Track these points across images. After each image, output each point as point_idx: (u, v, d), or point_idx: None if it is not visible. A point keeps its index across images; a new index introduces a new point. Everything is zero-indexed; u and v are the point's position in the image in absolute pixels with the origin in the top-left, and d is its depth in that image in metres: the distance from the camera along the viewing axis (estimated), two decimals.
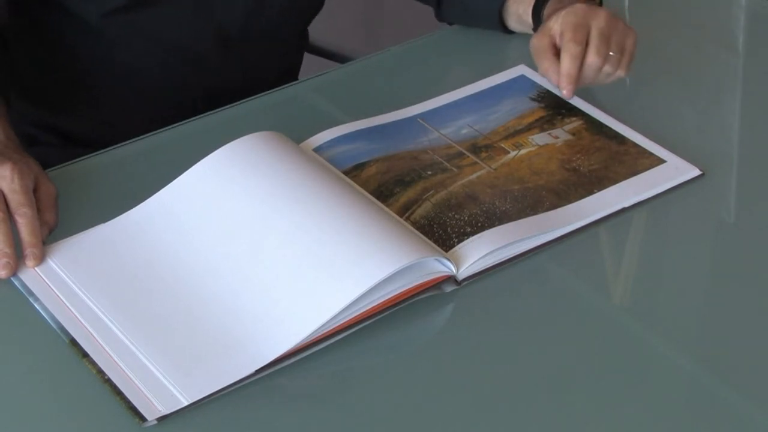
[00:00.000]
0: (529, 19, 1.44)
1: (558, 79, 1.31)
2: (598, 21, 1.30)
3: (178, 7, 1.41)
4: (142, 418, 1.00)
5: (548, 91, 1.40)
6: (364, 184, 1.24)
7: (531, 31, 1.45)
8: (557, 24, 1.33)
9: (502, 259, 1.16)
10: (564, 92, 1.30)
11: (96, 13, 1.39)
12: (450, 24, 1.56)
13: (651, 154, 1.30)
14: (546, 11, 1.41)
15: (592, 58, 1.30)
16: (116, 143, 1.34)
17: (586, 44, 1.30)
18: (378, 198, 1.22)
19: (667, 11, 1.62)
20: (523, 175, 1.27)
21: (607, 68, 1.31)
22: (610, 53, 1.30)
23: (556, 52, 1.33)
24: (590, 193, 1.25)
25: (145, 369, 1.04)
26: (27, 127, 1.50)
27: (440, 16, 1.57)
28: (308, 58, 1.81)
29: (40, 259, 1.14)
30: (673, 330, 1.12)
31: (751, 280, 1.18)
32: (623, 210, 1.24)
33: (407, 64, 1.50)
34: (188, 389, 1.02)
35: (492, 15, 1.49)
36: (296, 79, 1.65)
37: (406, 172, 1.27)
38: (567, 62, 1.29)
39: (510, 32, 1.51)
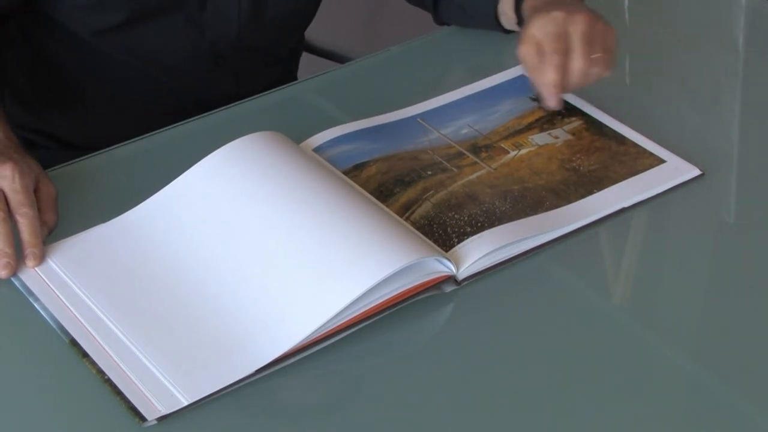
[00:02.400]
0: (513, 14, 1.44)
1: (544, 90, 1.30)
2: (578, 26, 1.28)
3: (168, 26, 1.42)
4: (142, 418, 1.00)
5: None
6: (364, 184, 1.24)
7: (516, 27, 1.45)
8: (538, 32, 1.31)
9: (502, 259, 1.16)
10: (551, 104, 1.29)
11: (87, 31, 1.40)
12: (449, 25, 1.56)
13: (651, 154, 1.30)
14: (525, 5, 1.39)
15: (577, 63, 1.28)
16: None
17: (569, 50, 1.29)
18: (378, 198, 1.22)
19: (667, 11, 1.62)
20: (523, 175, 1.27)
21: (594, 70, 1.29)
22: (594, 56, 1.29)
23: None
24: (590, 193, 1.25)
25: (145, 369, 1.04)
26: (24, 133, 1.50)
27: (438, 20, 1.56)
28: (308, 58, 1.81)
29: (41, 259, 1.14)
30: (673, 330, 1.12)
31: (751, 280, 1.18)
32: (623, 210, 1.24)
33: (407, 64, 1.50)
34: (188, 389, 1.02)
35: (488, 16, 1.49)
36: (291, 80, 1.66)
37: (406, 172, 1.27)
38: (550, 73, 1.28)
39: (508, 32, 1.51)
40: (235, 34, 1.46)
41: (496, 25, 1.49)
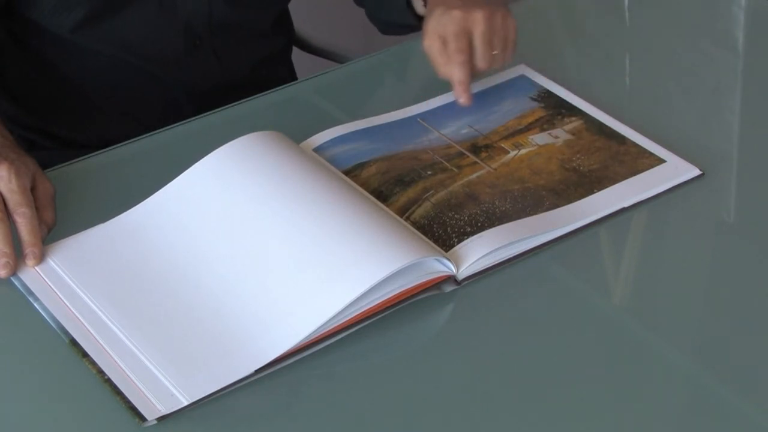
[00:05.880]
0: None
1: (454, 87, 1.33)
2: (477, 25, 1.31)
3: (142, 13, 1.42)
4: (142, 418, 1.00)
5: (548, 91, 1.40)
6: (364, 184, 1.24)
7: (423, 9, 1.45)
8: (440, 29, 1.33)
9: (502, 259, 1.16)
10: (461, 100, 1.32)
11: (65, 28, 1.40)
12: (374, 21, 1.56)
13: (651, 154, 1.30)
14: None
15: (480, 65, 1.32)
16: (110, 146, 1.34)
17: (472, 48, 1.32)
18: (378, 198, 1.22)
19: (667, 11, 1.62)
20: (523, 175, 1.27)
21: (495, 65, 1.34)
22: (494, 53, 1.32)
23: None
24: (590, 193, 1.25)
25: (145, 369, 1.04)
26: (22, 131, 1.51)
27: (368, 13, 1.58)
28: (308, 58, 1.81)
29: (40, 258, 1.14)
30: (673, 330, 1.12)
31: (751, 280, 1.18)
32: (623, 210, 1.24)
33: (407, 64, 1.50)
34: (188, 389, 1.02)
35: (400, 3, 1.48)
36: (286, 65, 1.66)
37: (406, 172, 1.27)
38: (457, 72, 1.31)
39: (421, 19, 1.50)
40: (207, 13, 1.46)
41: (409, 13, 1.48)
